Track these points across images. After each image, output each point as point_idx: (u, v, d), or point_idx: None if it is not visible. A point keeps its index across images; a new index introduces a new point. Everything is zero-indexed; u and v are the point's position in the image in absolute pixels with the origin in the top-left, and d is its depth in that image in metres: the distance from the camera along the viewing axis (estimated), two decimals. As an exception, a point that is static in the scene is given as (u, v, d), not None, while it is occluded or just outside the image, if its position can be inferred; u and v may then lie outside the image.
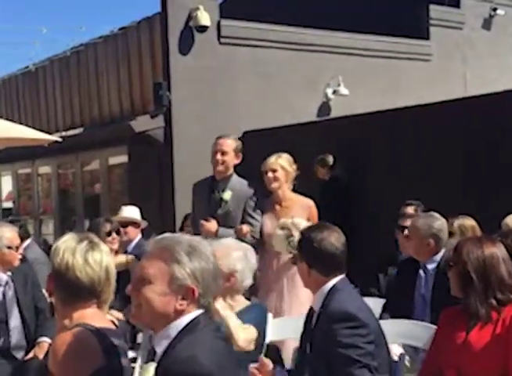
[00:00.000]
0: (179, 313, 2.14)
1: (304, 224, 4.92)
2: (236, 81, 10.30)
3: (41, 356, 4.17)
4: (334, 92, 11.14)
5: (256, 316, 3.39)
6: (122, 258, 5.45)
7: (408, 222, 4.68)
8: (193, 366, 2.02)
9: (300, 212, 5.14)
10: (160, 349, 2.15)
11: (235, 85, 10.27)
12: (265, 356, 3.37)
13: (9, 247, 4.36)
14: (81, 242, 2.45)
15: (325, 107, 11.29)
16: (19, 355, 4.42)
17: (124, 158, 11.02)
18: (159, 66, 10.28)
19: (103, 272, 2.43)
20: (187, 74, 9.89)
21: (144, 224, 6.26)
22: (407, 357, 3.98)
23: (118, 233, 5.45)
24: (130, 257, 5.51)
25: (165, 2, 9.87)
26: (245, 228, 5.06)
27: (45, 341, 4.35)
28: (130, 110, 11.13)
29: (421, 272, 4.36)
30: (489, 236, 3.38)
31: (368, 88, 11.22)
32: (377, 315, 3.74)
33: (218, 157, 5.19)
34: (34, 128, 8.84)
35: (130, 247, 5.99)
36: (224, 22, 10.27)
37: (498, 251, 3.08)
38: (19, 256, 4.49)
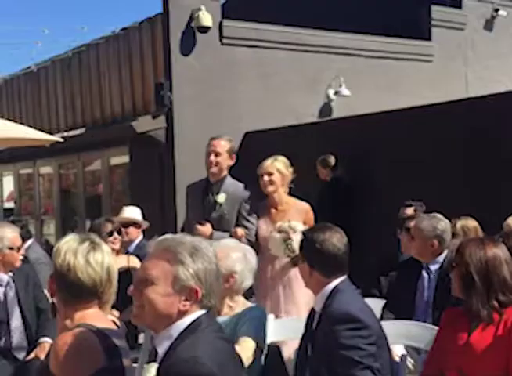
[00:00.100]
0: (182, 314, 2.14)
1: (300, 227, 4.89)
2: (237, 81, 10.30)
3: (42, 357, 4.17)
4: (336, 92, 11.13)
5: (255, 320, 3.36)
6: (123, 258, 5.45)
7: (411, 223, 4.68)
8: (195, 366, 2.02)
9: (296, 216, 5.07)
10: (161, 350, 2.15)
11: (236, 86, 10.28)
12: (266, 356, 3.37)
13: (11, 248, 4.36)
14: (83, 243, 2.45)
15: (326, 108, 11.28)
16: (21, 355, 4.42)
17: (125, 159, 11.02)
18: (160, 67, 10.28)
19: (105, 272, 2.43)
20: (189, 75, 9.89)
21: (145, 224, 6.26)
22: (410, 359, 3.97)
23: (119, 232, 5.45)
24: (131, 257, 5.51)
25: (167, 3, 9.87)
26: (240, 231, 5.00)
27: (47, 341, 4.36)
28: (131, 111, 11.13)
29: (424, 273, 4.36)
30: (491, 238, 3.38)
31: (370, 89, 11.22)
32: (378, 315, 3.73)
33: (212, 158, 5.12)
34: (35, 128, 8.85)
35: (131, 248, 5.99)
36: (226, 22, 10.27)
37: (500, 252, 3.08)
38: (21, 257, 4.49)
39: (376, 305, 4.15)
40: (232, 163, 5.22)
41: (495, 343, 2.96)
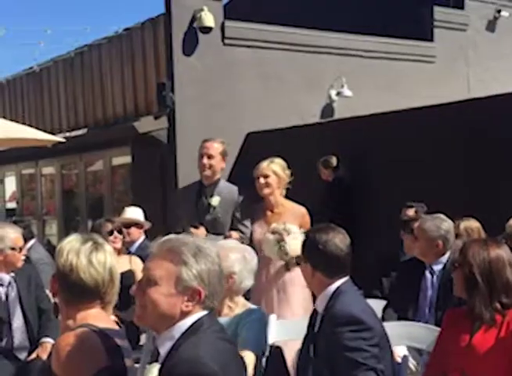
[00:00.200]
0: (185, 315, 2.14)
1: (295, 230, 4.86)
2: (239, 82, 10.29)
3: (44, 357, 4.17)
4: (338, 93, 11.13)
5: (255, 325, 3.35)
6: (125, 258, 5.45)
7: (415, 224, 4.68)
8: (197, 366, 2.02)
9: (291, 219, 5.01)
10: (163, 350, 2.15)
11: (238, 86, 10.28)
12: (268, 357, 3.37)
13: (13, 249, 4.36)
14: (86, 243, 2.45)
15: (328, 109, 11.28)
16: (22, 355, 4.43)
17: (127, 159, 11.02)
18: (163, 67, 10.28)
19: (107, 273, 2.43)
20: (191, 75, 9.89)
21: (147, 225, 6.26)
22: (413, 360, 3.97)
23: (120, 232, 5.44)
24: (133, 258, 5.51)
25: (169, 3, 9.88)
26: (234, 234, 4.96)
27: (48, 341, 4.36)
28: (133, 111, 11.13)
29: (427, 273, 4.36)
30: (494, 239, 3.37)
31: (371, 90, 11.21)
32: (379, 316, 3.73)
33: (205, 161, 5.09)
34: (37, 128, 8.86)
35: (133, 248, 6.00)
36: (228, 23, 10.27)
37: (504, 253, 3.08)
38: (23, 257, 4.49)
39: (377, 306, 4.14)
40: (224, 165, 5.18)
41: (498, 345, 2.96)
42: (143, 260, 4.91)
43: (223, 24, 10.21)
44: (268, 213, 5.13)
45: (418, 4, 12.57)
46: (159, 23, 10.47)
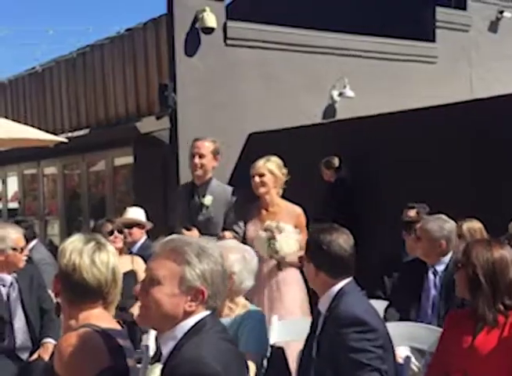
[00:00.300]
0: (187, 315, 2.14)
1: (288, 228, 4.84)
2: (241, 82, 10.29)
3: (46, 357, 4.17)
4: (340, 94, 11.12)
5: (255, 328, 3.33)
6: (127, 258, 5.45)
7: (418, 225, 4.67)
8: (199, 366, 2.02)
9: (287, 219, 4.96)
10: (166, 350, 2.15)
11: (240, 87, 10.27)
12: (270, 358, 3.36)
13: (14, 249, 4.36)
14: (88, 243, 2.45)
15: (330, 109, 11.27)
16: (24, 356, 4.43)
17: (129, 159, 11.02)
18: (165, 68, 10.28)
19: (110, 273, 2.43)
20: (193, 76, 9.88)
21: (149, 225, 6.26)
22: (414, 361, 3.96)
23: (121, 232, 5.44)
24: (135, 258, 5.51)
25: (171, 4, 9.87)
26: (228, 234, 4.92)
27: (50, 342, 4.36)
28: (135, 112, 11.13)
29: (430, 273, 4.36)
30: (498, 239, 3.37)
31: (373, 91, 11.20)
32: (381, 317, 3.72)
33: (196, 160, 5.04)
34: (39, 128, 8.87)
35: (135, 249, 6.00)
36: (230, 23, 10.26)
37: (507, 254, 3.07)
38: (25, 258, 4.49)
39: (379, 306, 4.13)
40: (216, 164, 5.12)
41: (501, 346, 2.95)
42: (145, 260, 4.91)
43: (225, 25, 10.21)
44: (263, 212, 5.09)
45: (420, 5, 12.56)
46: (161, 23, 10.47)
